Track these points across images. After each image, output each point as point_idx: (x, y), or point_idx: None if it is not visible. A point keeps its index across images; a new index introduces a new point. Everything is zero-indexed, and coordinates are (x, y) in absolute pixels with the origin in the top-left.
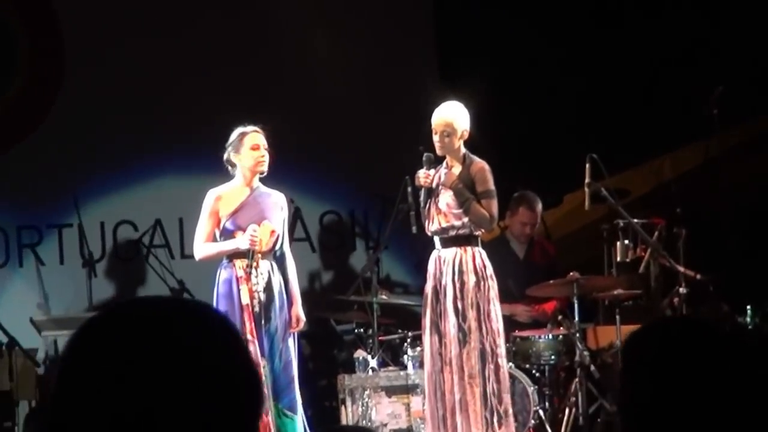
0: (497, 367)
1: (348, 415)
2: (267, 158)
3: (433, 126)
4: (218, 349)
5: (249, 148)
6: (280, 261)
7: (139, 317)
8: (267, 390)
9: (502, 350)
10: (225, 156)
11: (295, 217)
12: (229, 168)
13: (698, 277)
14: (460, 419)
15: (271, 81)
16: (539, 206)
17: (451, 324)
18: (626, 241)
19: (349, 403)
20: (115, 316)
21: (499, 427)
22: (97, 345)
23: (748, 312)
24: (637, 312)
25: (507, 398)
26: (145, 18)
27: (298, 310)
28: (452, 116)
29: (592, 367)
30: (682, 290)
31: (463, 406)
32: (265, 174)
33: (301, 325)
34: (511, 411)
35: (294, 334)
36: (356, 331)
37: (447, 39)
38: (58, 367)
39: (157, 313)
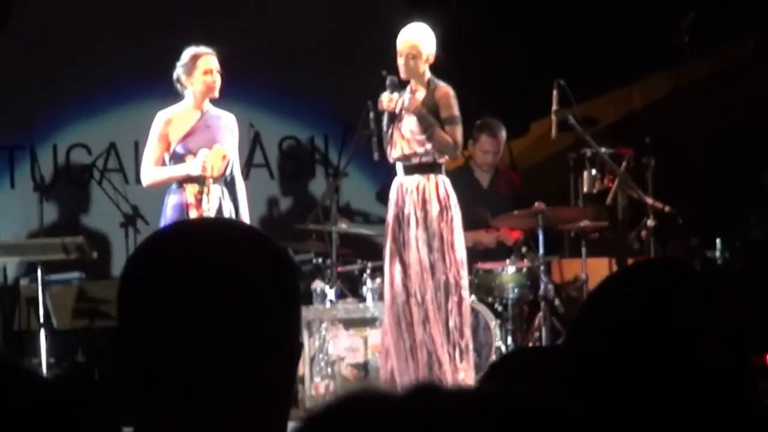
0: (460, 300)
1: (305, 348)
2: (219, 83)
3: (398, 48)
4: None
5: (201, 72)
6: (231, 186)
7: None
8: None
9: (465, 282)
10: (175, 75)
11: (255, 142)
12: (179, 87)
13: (667, 209)
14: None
15: (231, 1)
16: (502, 134)
17: (414, 255)
18: (593, 171)
19: (306, 335)
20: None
21: (461, 362)
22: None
23: (718, 245)
24: (603, 245)
25: (468, 332)
26: None
27: None
28: (418, 39)
29: (557, 301)
30: (650, 223)
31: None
32: (217, 98)
33: None
34: (471, 346)
35: None
36: (314, 261)
37: None
38: None
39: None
